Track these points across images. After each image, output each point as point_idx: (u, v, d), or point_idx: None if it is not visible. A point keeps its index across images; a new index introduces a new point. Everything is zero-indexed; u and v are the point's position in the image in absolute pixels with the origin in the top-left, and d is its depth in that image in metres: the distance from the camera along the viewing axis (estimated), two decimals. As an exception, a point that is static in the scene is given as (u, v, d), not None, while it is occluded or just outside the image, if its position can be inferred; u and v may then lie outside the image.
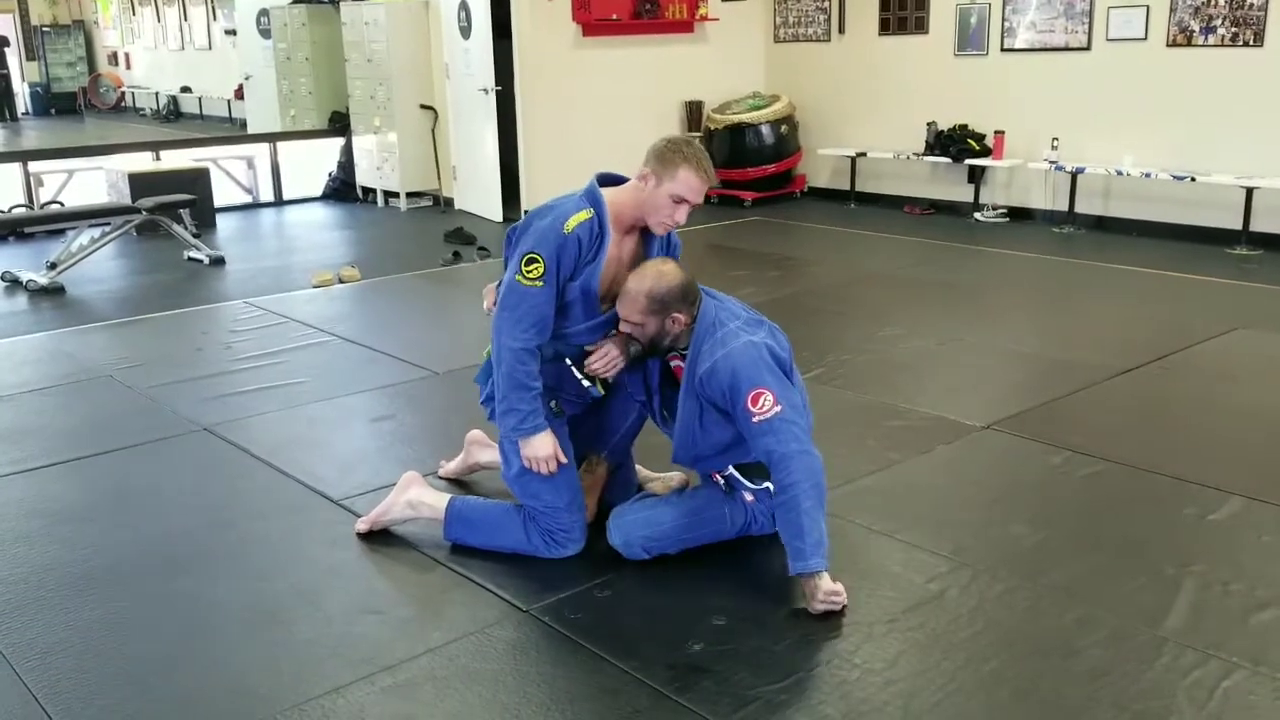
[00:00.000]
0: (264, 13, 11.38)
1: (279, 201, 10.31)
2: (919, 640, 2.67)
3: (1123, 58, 7.74)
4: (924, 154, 8.84)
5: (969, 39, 8.61)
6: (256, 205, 10.21)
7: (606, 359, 3.05)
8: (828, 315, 5.85)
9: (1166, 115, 7.58)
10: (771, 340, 2.97)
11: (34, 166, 9.30)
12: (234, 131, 13.72)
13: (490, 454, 3.54)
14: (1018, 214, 8.61)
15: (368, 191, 10.26)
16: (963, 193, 8.87)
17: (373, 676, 2.56)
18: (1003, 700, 2.44)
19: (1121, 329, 5.49)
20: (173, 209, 7.65)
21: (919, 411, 4.27)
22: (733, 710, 2.40)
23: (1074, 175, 8.00)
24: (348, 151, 10.43)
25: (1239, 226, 7.25)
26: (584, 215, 2.95)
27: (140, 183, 8.48)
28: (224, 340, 5.57)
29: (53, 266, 6.82)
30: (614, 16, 8.94)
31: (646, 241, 3.12)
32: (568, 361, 3.10)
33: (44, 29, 19.44)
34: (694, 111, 9.59)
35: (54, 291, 6.67)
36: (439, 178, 9.75)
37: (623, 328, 3.04)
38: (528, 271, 2.92)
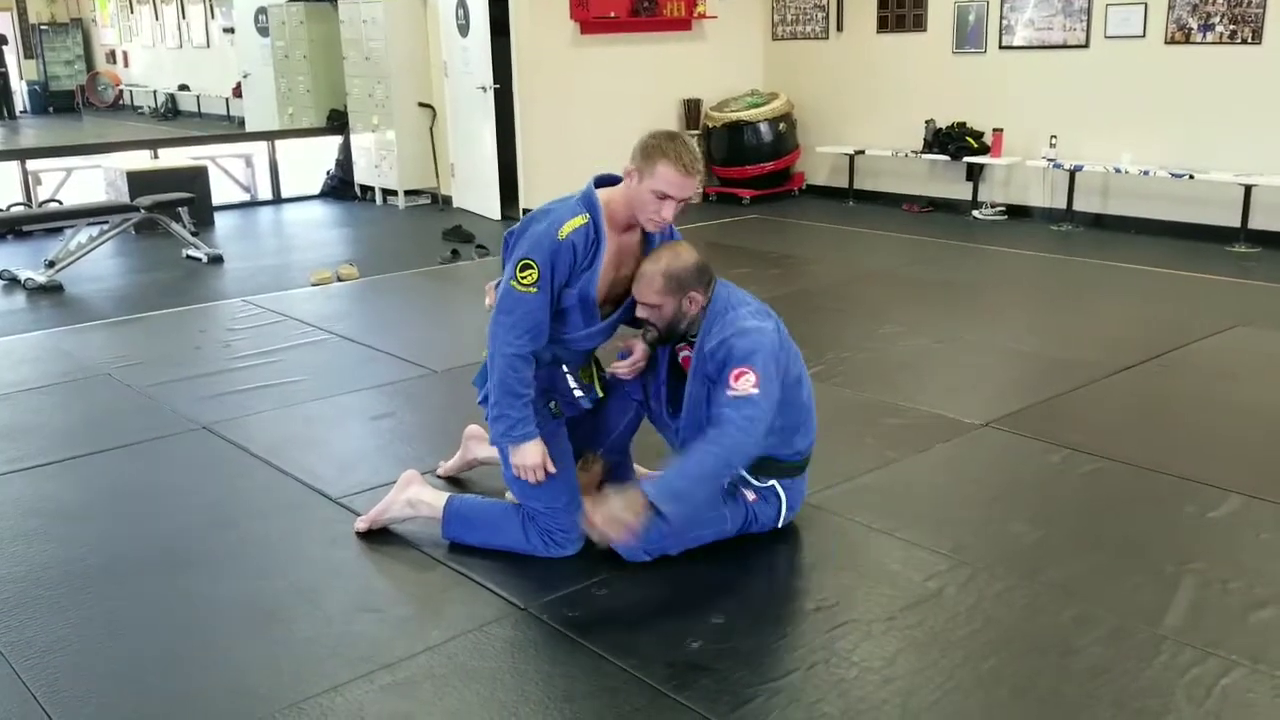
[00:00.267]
0: (262, 11, 11.38)
1: (277, 200, 10.31)
2: (917, 638, 2.67)
3: (1121, 55, 7.74)
4: (922, 152, 8.84)
5: (967, 37, 8.61)
6: (255, 203, 10.21)
7: (633, 367, 3.10)
8: (826, 313, 5.85)
9: (1165, 113, 7.58)
10: (778, 334, 2.98)
11: (32, 165, 9.30)
12: (232, 130, 13.72)
13: (488, 450, 3.52)
14: (1016, 212, 8.61)
15: (366, 189, 10.26)
16: (961, 190, 8.87)
17: (372, 675, 2.56)
18: (1001, 698, 2.44)
19: (1120, 327, 5.49)
20: (171, 207, 7.65)
21: (918, 409, 4.27)
22: (731, 708, 2.40)
23: (1072, 173, 8.00)
24: (346, 149, 10.43)
25: (1237, 224, 7.26)
26: (579, 221, 2.93)
27: (138, 181, 8.47)
28: (222, 338, 5.56)
29: (51, 265, 6.82)
30: (612, 14, 8.93)
31: (647, 239, 3.10)
32: (564, 369, 3.09)
33: (42, 27, 19.43)
34: (692, 109, 9.58)
35: (52, 290, 6.67)
36: (437, 176, 9.75)
37: (639, 312, 3.04)
38: (522, 277, 2.91)
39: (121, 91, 19.25)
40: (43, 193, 9.24)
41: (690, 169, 2.90)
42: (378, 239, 8.55)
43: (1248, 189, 7.16)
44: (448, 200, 9.65)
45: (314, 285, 6.73)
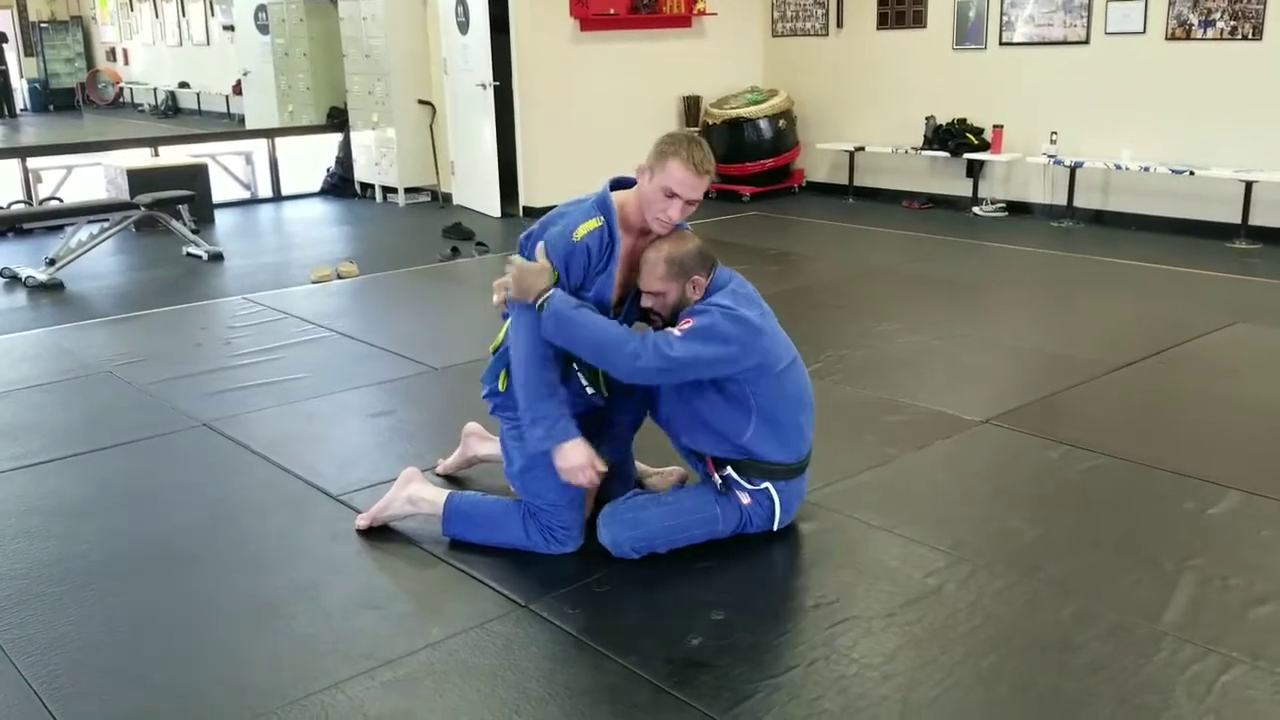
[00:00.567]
0: (262, 8, 11.38)
1: (277, 197, 10.31)
2: (917, 635, 2.68)
3: (1121, 51, 7.74)
4: (922, 148, 8.84)
5: (967, 33, 8.60)
6: (255, 201, 10.21)
7: None
8: (826, 310, 5.85)
9: (1165, 109, 7.58)
10: (760, 322, 2.97)
11: (33, 163, 9.30)
12: (232, 127, 13.72)
13: (488, 447, 3.54)
14: (1016, 208, 8.61)
15: (366, 187, 10.26)
16: (961, 187, 8.87)
17: (372, 671, 2.56)
18: (1001, 695, 2.44)
19: (1120, 323, 5.49)
20: (171, 205, 7.65)
21: (917, 406, 4.28)
22: (731, 705, 2.40)
23: (1073, 169, 7.99)
24: (346, 147, 10.43)
25: (1238, 220, 7.25)
26: (593, 224, 2.95)
27: (139, 179, 8.47)
28: (223, 336, 5.57)
29: (51, 263, 6.82)
30: (611, 11, 8.92)
31: None
32: (575, 367, 3.09)
33: (42, 25, 19.44)
34: (692, 106, 9.58)
35: (53, 288, 6.67)
36: (437, 173, 9.75)
37: (644, 301, 3.04)
38: None
39: (122, 89, 19.26)
40: (43, 190, 9.24)
41: (701, 169, 2.91)
42: (378, 236, 8.55)
43: (1248, 185, 7.15)
44: (448, 197, 9.64)
45: (314, 283, 6.73)
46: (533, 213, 8.78)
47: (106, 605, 2.91)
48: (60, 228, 7.82)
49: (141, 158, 9.51)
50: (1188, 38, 7.40)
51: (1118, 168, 7.72)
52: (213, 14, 16.15)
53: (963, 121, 8.62)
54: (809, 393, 3.13)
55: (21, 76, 19.01)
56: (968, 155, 8.57)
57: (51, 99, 18.89)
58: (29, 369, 5.06)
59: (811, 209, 9.12)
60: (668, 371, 2.86)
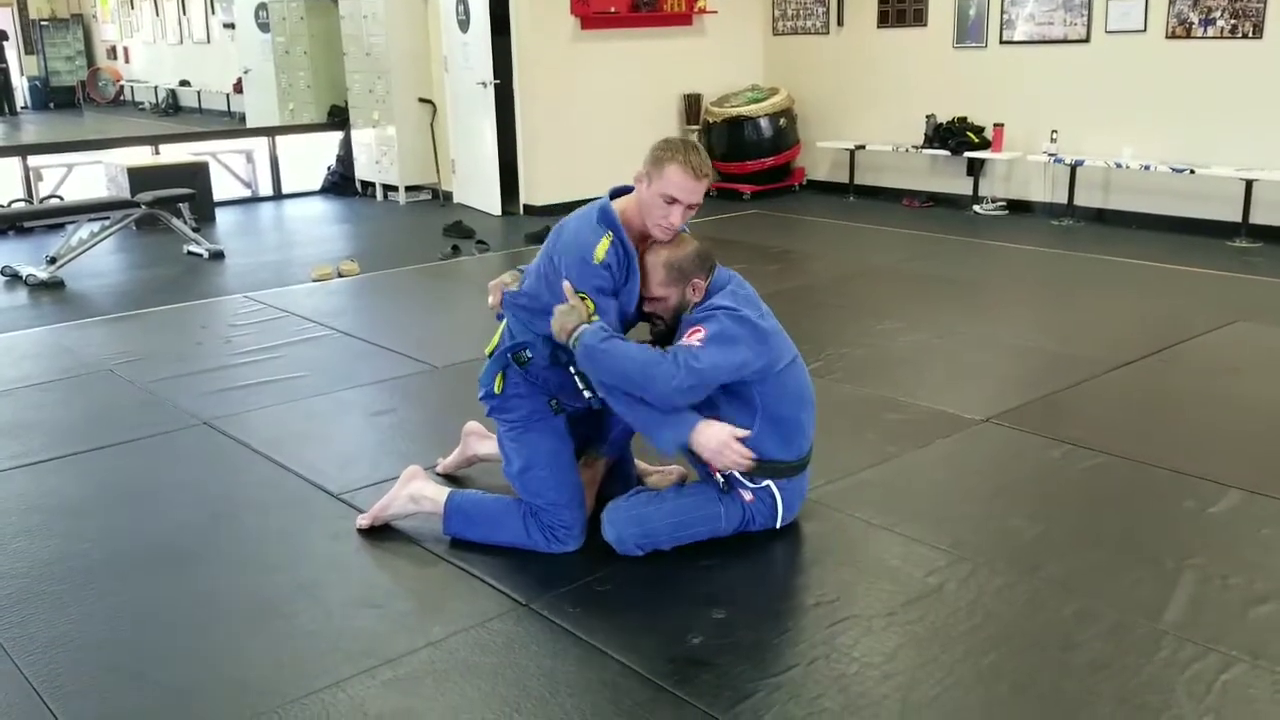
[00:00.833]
0: (262, 6, 11.38)
1: (278, 195, 10.31)
2: (918, 634, 2.68)
3: (1122, 50, 7.73)
4: (923, 147, 8.84)
5: (968, 31, 8.60)
6: (255, 199, 10.21)
7: None
8: (827, 309, 5.85)
9: (1166, 107, 7.57)
10: (758, 322, 2.97)
11: (33, 161, 9.30)
12: (233, 125, 13.71)
13: (488, 446, 3.54)
14: (1017, 207, 8.61)
15: (366, 185, 10.26)
16: (962, 185, 8.86)
17: (373, 670, 2.57)
18: (1001, 694, 2.45)
19: (1121, 322, 5.49)
20: (172, 203, 7.65)
21: (918, 405, 4.28)
22: (732, 703, 2.40)
23: (1073, 168, 7.99)
24: (346, 145, 10.43)
25: (1239, 219, 7.25)
26: (606, 242, 2.93)
27: (139, 177, 8.47)
28: (223, 334, 5.57)
29: (52, 261, 6.82)
30: (612, 10, 8.92)
31: None
32: (572, 370, 3.09)
33: (42, 23, 19.43)
34: (692, 104, 9.57)
35: (53, 286, 6.67)
36: (438, 171, 9.74)
37: (646, 307, 3.05)
38: (591, 314, 2.93)
39: (122, 87, 19.25)
40: (44, 189, 9.24)
41: (699, 173, 2.91)
42: (378, 235, 8.55)
43: (1249, 184, 7.15)
44: (448, 196, 9.64)
45: (315, 281, 6.73)
46: (533, 211, 8.78)
47: (107, 603, 2.91)
48: (61, 226, 7.82)
49: (142, 156, 9.51)
50: (1188, 36, 7.40)
51: (1118, 166, 7.72)
52: (213, 12, 16.14)
53: (963, 120, 8.62)
54: (810, 390, 3.14)
55: (22, 74, 19.01)
56: (968, 154, 8.56)
57: (52, 97, 18.89)
58: (30, 367, 5.06)
59: (812, 207, 9.12)
60: (698, 386, 2.87)
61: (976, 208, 8.65)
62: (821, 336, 5.15)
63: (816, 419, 3.18)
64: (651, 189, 2.92)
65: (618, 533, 3.04)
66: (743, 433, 2.94)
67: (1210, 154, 7.35)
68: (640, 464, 3.47)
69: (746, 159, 9.38)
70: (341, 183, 10.46)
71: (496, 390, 3.14)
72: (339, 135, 10.51)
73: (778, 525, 3.16)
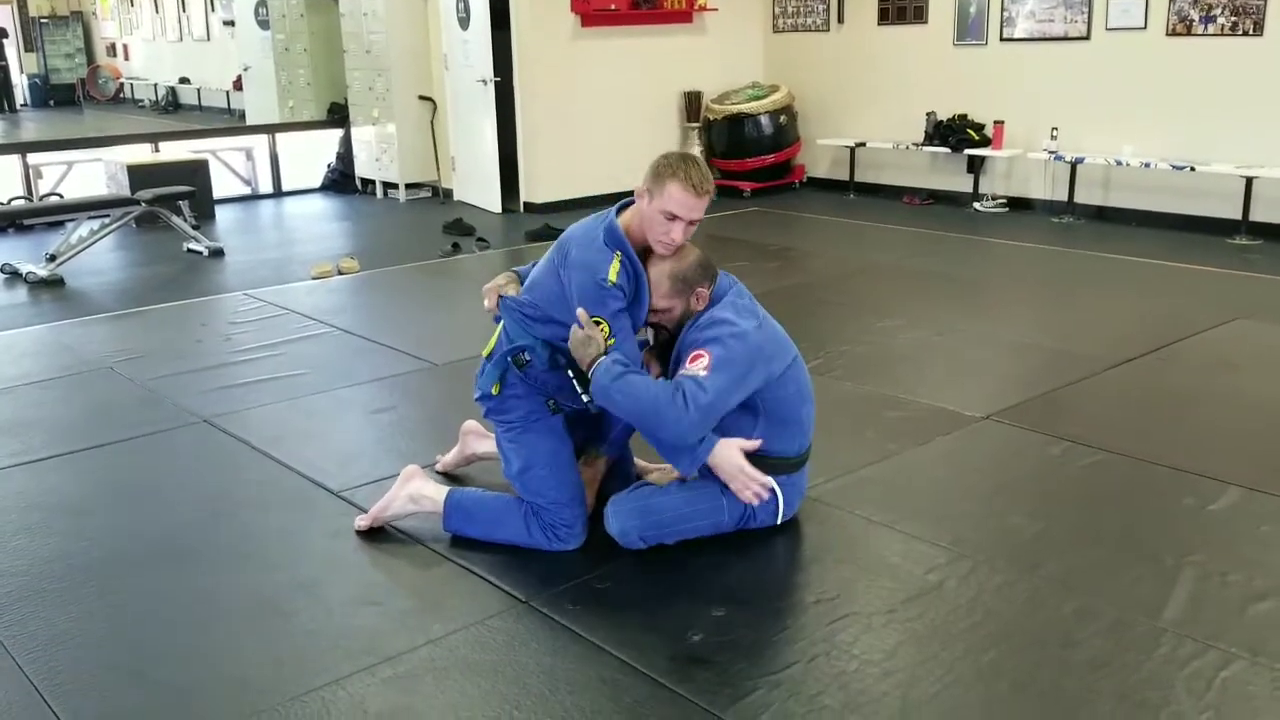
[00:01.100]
0: (262, 3, 11.36)
1: (278, 193, 10.31)
2: (918, 631, 2.68)
3: (1122, 47, 7.73)
4: (923, 144, 8.83)
5: (968, 28, 8.59)
6: (255, 197, 10.20)
7: None
8: (827, 306, 5.85)
9: (1166, 105, 7.57)
10: (759, 333, 2.98)
11: (33, 158, 9.30)
12: (232, 123, 13.69)
13: (486, 445, 3.54)
14: (1017, 204, 8.61)
15: (366, 183, 10.25)
16: (962, 183, 8.86)
17: (373, 668, 2.57)
18: (1001, 691, 2.45)
19: (1121, 319, 5.49)
20: (172, 201, 7.65)
21: (918, 402, 4.28)
22: (732, 701, 2.40)
23: (1073, 165, 7.99)
24: (346, 143, 10.42)
25: (1239, 216, 7.25)
26: (616, 263, 2.93)
27: (139, 174, 8.47)
28: (223, 332, 5.57)
29: (52, 259, 6.82)
30: (612, 7, 8.91)
31: None
32: (570, 373, 3.08)
33: (42, 20, 19.40)
34: (693, 102, 9.56)
35: (53, 284, 6.67)
36: (438, 169, 9.74)
37: (650, 318, 3.04)
38: (608, 341, 2.93)
39: (122, 85, 19.23)
40: (43, 186, 9.24)
41: (700, 189, 2.90)
42: (378, 232, 8.55)
43: (1249, 181, 7.15)
44: (448, 193, 9.64)
45: (315, 279, 6.73)
46: (533, 208, 8.78)
47: (107, 601, 2.91)
48: (61, 224, 7.83)
49: (142, 153, 9.51)
50: (1188, 33, 7.39)
51: (1118, 164, 7.71)
52: (213, 9, 16.12)
53: (963, 117, 8.62)
54: (809, 387, 3.15)
55: (22, 72, 18.98)
56: (968, 151, 8.56)
57: (52, 94, 18.86)
58: (29, 365, 5.06)
59: (812, 205, 9.12)
60: (709, 419, 2.88)
61: (977, 205, 8.65)
62: (821, 334, 5.15)
63: (816, 417, 3.19)
64: (653, 205, 2.91)
65: (621, 525, 3.05)
66: (752, 445, 2.98)
67: (1210, 151, 7.34)
68: (640, 462, 3.47)
69: (747, 156, 9.38)
70: (341, 180, 10.46)
71: (494, 392, 3.14)
72: (339, 133, 10.51)
73: (778, 521, 3.16)
